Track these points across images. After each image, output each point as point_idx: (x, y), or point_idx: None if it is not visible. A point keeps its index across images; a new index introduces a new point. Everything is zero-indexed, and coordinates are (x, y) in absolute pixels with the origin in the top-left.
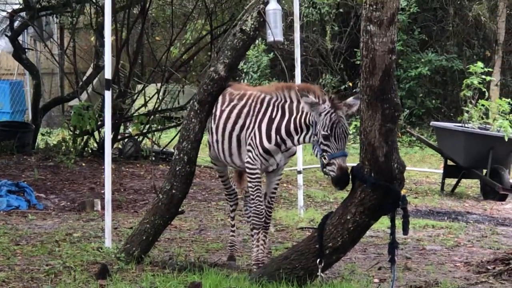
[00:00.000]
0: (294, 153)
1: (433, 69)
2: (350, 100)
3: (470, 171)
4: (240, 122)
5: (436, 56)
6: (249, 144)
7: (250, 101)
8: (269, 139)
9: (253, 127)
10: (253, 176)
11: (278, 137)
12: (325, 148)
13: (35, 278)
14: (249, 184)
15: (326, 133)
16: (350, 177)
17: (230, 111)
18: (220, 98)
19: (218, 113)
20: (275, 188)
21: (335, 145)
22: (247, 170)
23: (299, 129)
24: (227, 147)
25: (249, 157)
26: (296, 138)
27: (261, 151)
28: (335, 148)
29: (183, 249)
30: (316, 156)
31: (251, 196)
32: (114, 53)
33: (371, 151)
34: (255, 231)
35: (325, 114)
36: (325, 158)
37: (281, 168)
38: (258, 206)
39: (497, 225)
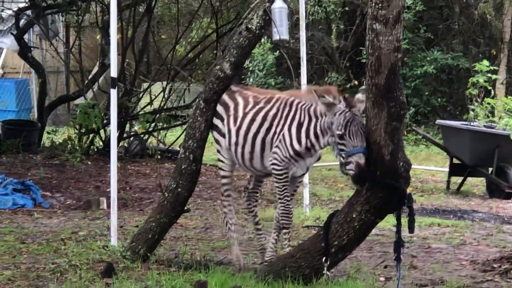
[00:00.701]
0: (319, 158)
1: (438, 67)
2: (359, 96)
3: (476, 170)
4: (266, 124)
5: (441, 55)
6: (277, 146)
7: (278, 104)
8: (299, 142)
9: (281, 130)
10: (281, 177)
11: (308, 140)
12: (342, 147)
13: (41, 276)
14: (276, 185)
15: (341, 132)
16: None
17: (256, 114)
18: (241, 100)
19: (240, 115)
20: (295, 191)
21: (351, 143)
22: (274, 172)
23: (324, 132)
24: (249, 150)
25: (276, 158)
26: (322, 141)
27: (291, 152)
28: (351, 146)
29: (189, 247)
30: (336, 157)
31: (279, 197)
32: (120, 51)
33: (376, 150)
34: (285, 230)
35: (340, 114)
36: (342, 157)
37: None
38: (286, 206)
39: (503, 224)
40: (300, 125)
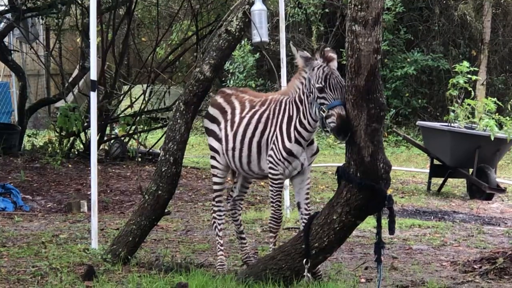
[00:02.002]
0: (317, 151)
1: (419, 68)
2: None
3: (456, 171)
4: (261, 127)
5: (422, 56)
6: (272, 149)
7: (271, 105)
8: (289, 138)
9: (275, 130)
10: (276, 182)
11: (295, 132)
12: (322, 101)
13: (21, 280)
14: (271, 189)
15: (321, 85)
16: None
17: (251, 117)
18: (238, 105)
19: (237, 119)
20: (307, 194)
21: (332, 95)
22: (270, 176)
23: (306, 107)
24: (246, 154)
25: (271, 162)
26: (305, 122)
27: (284, 154)
28: (331, 98)
29: (170, 250)
30: (316, 115)
31: (271, 200)
32: (100, 54)
33: (356, 151)
34: (271, 234)
35: (318, 68)
36: (323, 111)
37: (306, 171)
38: (276, 211)
39: (484, 224)
40: (290, 119)
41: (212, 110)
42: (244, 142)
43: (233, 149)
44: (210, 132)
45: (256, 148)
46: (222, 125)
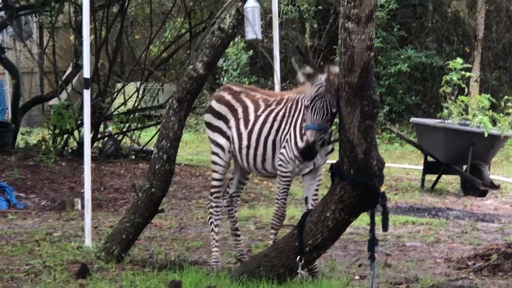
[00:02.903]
0: (331, 151)
1: (412, 65)
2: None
3: (450, 167)
4: (276, 125)
5: (415, 53)
6: (284, 147)
7: (287, 103)
8: (301, 137)
9: (289, 129)
10: (284, 179)
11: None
12: (305, 117)
13: (15, 277)
14: (278, 186)
15: (306, 103)
16: (315, 152)
17: (267, 116)
18: (251, 103)
19: (252, 118)
20: (317, 190)
21: (311, 118)
22: (279, 172)
23: None
24: (261, 153)
25: (281, 159)
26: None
27: (295, 153)
28: (310, 120)
29: (163, 247)
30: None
31: (277, 197)
32: (94, 52)
33: (350, 148)
34: (272, 231)
35: (315, 86)
36: (302, 127)
37: (319, 169)
38: (281, 208)
39: (478, 221)
40: (303, 120)
41: (219, 107)
42: (259, 140)
43: (248, 147)
44: (214, 128)
45: (271, 146)
46: (232, 123)
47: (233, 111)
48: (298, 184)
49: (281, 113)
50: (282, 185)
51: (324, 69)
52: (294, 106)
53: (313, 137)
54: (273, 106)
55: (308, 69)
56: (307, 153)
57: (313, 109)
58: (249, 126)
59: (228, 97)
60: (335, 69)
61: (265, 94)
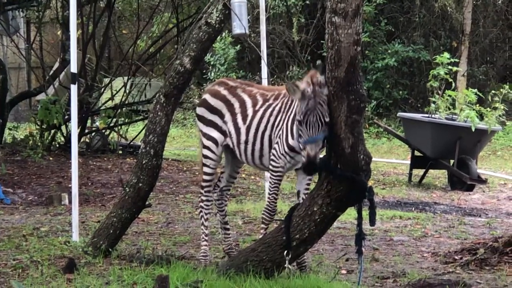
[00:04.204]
0: (323, 146)
1: (400, 60)
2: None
3: (437, 162)
4: (272, 120)
5: (403, 47)
6: (277, 142)
7: (284, 99)
8: (292, 134)
9: (282, 125)
10: (275, 174)
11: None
12: (300, 133)
13: (2, 272)
14: (270, 181)
15: (299, 119)
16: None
17: (265, 111)
18: (248, 98)
19: (250, 113)
20: (308, 184)
21: (307, 132)
22: (270, 167)
23: None
24: (259, 148)
25: (274, 154)
26: None
27: (286, 149)
28: (306, 134)
29: (151, 242)
30: (296, 141)
31: (268, 192)
32: (81, 46)
33: (337, 143)
34: (263, 226)
35: (304, 100)
36: (300, 143)
37: None
38: (272, 203)
39: (465, 216)
40: (295, 115)
41: (214, 101)
42: (257, 135)
43: (246, 142)
44: (208, 122)
45: (267, 141)
46: (228, 118)
47: (229, 106)
48: (286, 178)
49: (277, 108)
50: (273, 180)
51: (307, 79)
52: (289, 102)
53: (313, 151)
54: (270, 101)
55: (292, 84)
56: (310, 168)
57: (308, 124)
58: (247, 121)
59: (224, 92)
60: (318, 76)
61: (262, 89)
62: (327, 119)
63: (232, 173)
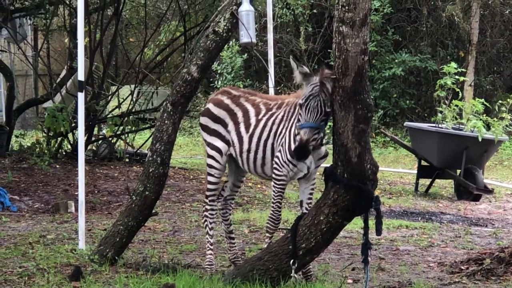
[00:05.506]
0: (325, 155)
1: (407, 69)
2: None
3: (444, 172)
4: (274, 128)
5: (410, 57)
6: (279, 150)
7: (287, 107)
8: (295, 141)
9: (285, 133)
10: (279, 183)
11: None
12: (299, 117)
13: (8, 280)
14: (273, 189)
15: (301, 102)
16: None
17: (268, 120)
18: (251, 107)
19: (253, 122)
20: (311, 194)
21: (305, 116)
22: (274, 176)
23: None
24: (261, 156)
25: (276, 163)
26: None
27: (289, 157)
28: (303, 119)
29: (157, 250)
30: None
31: (272, 201)
32: (88, 54)
33: (344, 152)
34: (267, 235)
35: (310, 85)
36: (296, 127)
37: (313, 173)
38: (276, 212)
39: (471, 225)
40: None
41: (217, 110)
42: (259, 144)
43: (248, 151)
44: (211, 132)
45: (270, 150)
46: (231, 127)
47: (232, 115)
48: (292, 187)
49: (279, 117)
50: (277, 188)
51: (318, 71)
52: (292, 110)
53: (307, 135)
54: (273, 110)
55: (305, 69)
56: (301, 152)
57: (308, 108)
58: (250, 130)
59: (227, 101)
60: (328, 71)
61: (265, 98)
62: (328, 109)
63: (236, 182)
